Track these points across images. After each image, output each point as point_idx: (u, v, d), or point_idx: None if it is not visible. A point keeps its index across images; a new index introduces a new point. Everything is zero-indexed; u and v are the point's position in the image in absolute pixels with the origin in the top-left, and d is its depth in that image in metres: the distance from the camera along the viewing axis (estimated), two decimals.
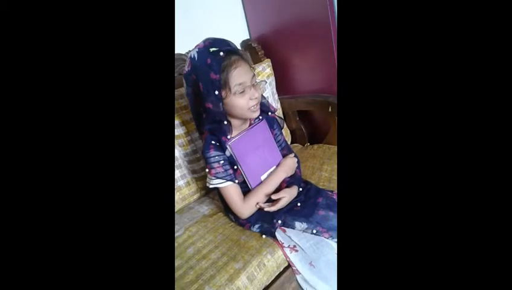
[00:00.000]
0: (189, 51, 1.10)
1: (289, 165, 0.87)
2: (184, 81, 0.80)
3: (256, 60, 1.24)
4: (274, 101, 1.23)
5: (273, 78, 1.25)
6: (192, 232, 0.85)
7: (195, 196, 1.04)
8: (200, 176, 1.03)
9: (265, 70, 1.22)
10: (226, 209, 0.86)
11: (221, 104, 0.73)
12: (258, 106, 0.79)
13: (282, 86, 1.28)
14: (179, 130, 0.99)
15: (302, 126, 1.28)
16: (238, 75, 0.73)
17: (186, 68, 0.77)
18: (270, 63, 1.25)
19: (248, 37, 1.34)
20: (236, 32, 1.31)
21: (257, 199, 0.81)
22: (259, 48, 1.25)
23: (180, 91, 1.02)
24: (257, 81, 0.79)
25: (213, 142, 0.78)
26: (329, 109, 1.12)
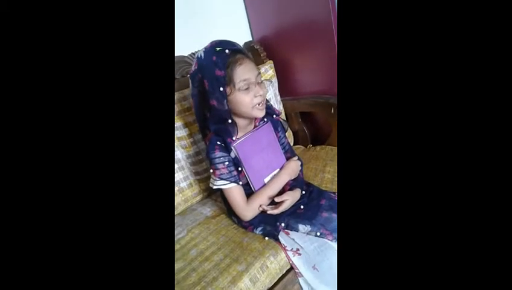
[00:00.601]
0: (192, 53, 1.11)
1: (293, 168, 0.87)
2: (190, 81, 0.80)
3: (259, 62, 1.24)
4: (276, 103, 1.23)
5: (276, 79, 1.25)
6: (195, 234, 0.85)
7: (198, 198, 1.04)
8: (202, 177, 1.03)
9: (267, 72, 1.22)
10: (229, 211, 0.86)
11: (225, 101, 0.74)
12: (264, 105, 0.79)
13: (285, 88, 1.28)
14: (181, 132, 1.00)
15: (305, 127, 1.28)
16: (243, 72, 0.74)
17: (193, 68, 0.78)
18: (273, 65, 1.25)
19: (250, 39, 1.35)
20: (239, 34, 1.31)
21: (260, 201, 0.81)
22: (261, 49, 1.25)
23: (184, 93, 1.02)
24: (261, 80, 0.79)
25: (218, 142, 0.79)
26: (332, 111, 1.12)
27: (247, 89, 0.75)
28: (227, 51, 0.73)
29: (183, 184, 1.00)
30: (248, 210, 0.80)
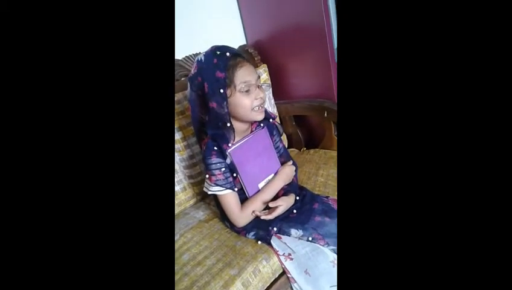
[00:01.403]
0: (187, 56, 1.11)
1: (287, 173, 0.87)
2: (188, 84, 0.80)
3: (253, 66, 1.25)
4: (270, 106, 1.24)
5: (270, 83, 1.25)
6: (188, 238, 0.85)
7: (192, 202, 1.04)
8: (196, 181, 1.02)
9: (261, 75, 1.22)
10: (222, 216, 0.86)
11: (225, 103, 0.73)
12: (263, 109, 0.80)
13: (279, 91, 1.28)
14: (175, 135, 0.99)
15: (299, 131, 1.29)
16: (243, 74, 0.74)
17: (193, 71, 0.78)
18: (267, 68, 1.25)
19: (245, 43, 1.35)
20: (233, 38, 1.32)
21: (254, 207, 0.81)
22: (255, 53, 1.26)
23: (177, 96, 1.02)
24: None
25: (215, 148, 0.78)
26: (325, 114, 1.12)
27: (247, 91, 0.75)
28: (228, 53, 0.73)
29: (177, 188, 1.00)
30: (242, 217, 0.80)
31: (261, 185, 0.85)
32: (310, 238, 0.73)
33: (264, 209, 0.82)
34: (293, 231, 0.75)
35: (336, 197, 0.86)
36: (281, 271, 0.73)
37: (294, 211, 0.80)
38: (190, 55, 1.12)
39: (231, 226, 0.84)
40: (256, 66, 1.25)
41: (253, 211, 0.80)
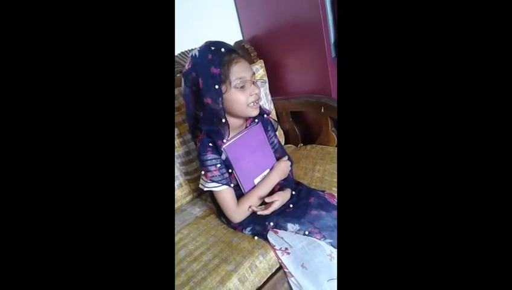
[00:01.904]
0: (182, 52, 1.10)
1: (283, 168, 0.87)
2: (183, 80, 0.80)
3: (249, 62, 1.23)
4: (267, 102, 1.23)
5: (266, 79, 1.25)
6: (184, 234, 0.84)
7: (188, 198, 1.03)
8: (192, 177, 1.02)
9: (258, 71, 1.22)
10: (219, 212, 0.86)
11: (220, 99, 0.73)
12: (258, 104, 0.79)
13: (275, 87, 1.28)
14: None
15: (295, 127, 1.29)
16: (238, 70, 0.74)
17: (187, 67, 0.77)
18: (263, 64, 1.25)
19: (241, 38, 1.34)
20: (230, 34, 1.31)
21: (250, 203, 0.81)
22: (252, 49, 1.25)
23: None
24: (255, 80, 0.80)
25: (210, 144, 0.78)
26: (322, 110, 1.12)
27: (242, 87, 0.75)
28: (222, 49, 0.73)
29: None
30: (238, 213, 0.80)
31: (256, 181, 0.85)
32: (307, 232, 0.73)
33: (260, 205, 0.82)
34: (290, 226, 0.75)
35: (332, 192, 0.86)
36: (277, 266, 0.73)
37: (291, 205, 0.80)
38: (186, 51, 1.11)
39: (227, 222, 0.83)
40: (252, 61, 1.24)
41: (250, 207, 0.80)
